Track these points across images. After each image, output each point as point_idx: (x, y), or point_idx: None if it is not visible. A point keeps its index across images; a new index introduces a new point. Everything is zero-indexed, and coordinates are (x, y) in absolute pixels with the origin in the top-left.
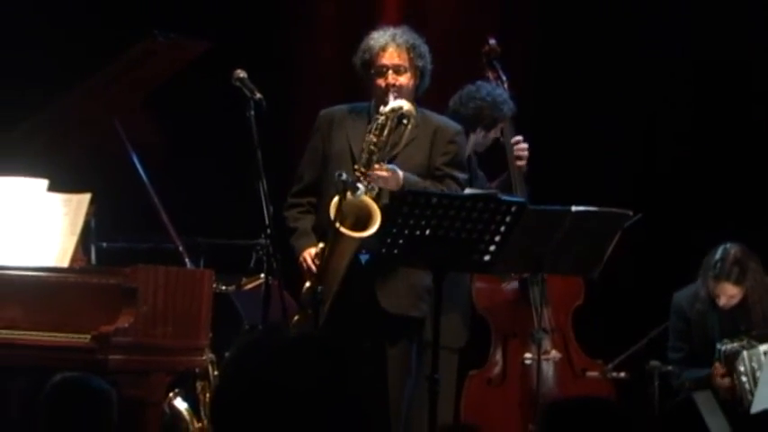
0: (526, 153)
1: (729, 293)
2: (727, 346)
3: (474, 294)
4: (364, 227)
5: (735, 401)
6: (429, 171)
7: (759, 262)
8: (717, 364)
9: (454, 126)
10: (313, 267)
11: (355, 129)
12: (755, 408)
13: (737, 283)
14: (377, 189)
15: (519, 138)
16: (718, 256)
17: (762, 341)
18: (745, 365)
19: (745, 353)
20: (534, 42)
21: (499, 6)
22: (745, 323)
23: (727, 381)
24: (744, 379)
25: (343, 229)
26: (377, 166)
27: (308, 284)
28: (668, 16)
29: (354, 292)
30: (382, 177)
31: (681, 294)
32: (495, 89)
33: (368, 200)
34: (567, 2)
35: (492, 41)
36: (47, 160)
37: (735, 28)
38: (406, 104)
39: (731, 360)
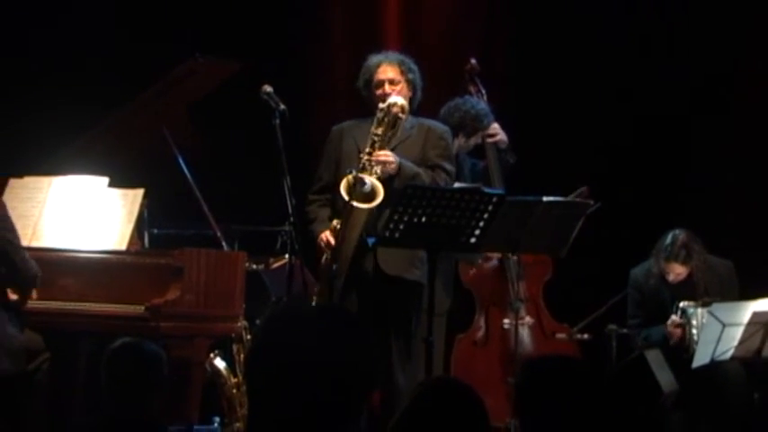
0: (497, 130)
1: (677, 272)
2: (685, 303)
3: (461, 271)
4: (371, 200)
5: (682, 348)
6: (423, 162)
7: (702, 245)
8: (674, 317)
9: (443, 126)
10: (332, 241)
11: (361, 133)
12: (696, 363)
13: (684, 263)
14: (379, 172)
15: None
16: (668, 240)
17: (706, 306)
18: (697, 320)
19: (699, 310)
20: (509, 62)
21: (480, 32)
22: (689, 295)
23: (680, 331)
24: (694, 331)
25: (354, 203)
26: (379, 151)
27: (324, 258)
28: (618, 33)
29: (363, 268)
30: (383, 160)
31: (637, 270)
32: (478, 103)
33: (374, 180)
34: (535, 29)
35: (473, 61)
36: (107, 161)
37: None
38: (400, 99)
39: (688, 314)
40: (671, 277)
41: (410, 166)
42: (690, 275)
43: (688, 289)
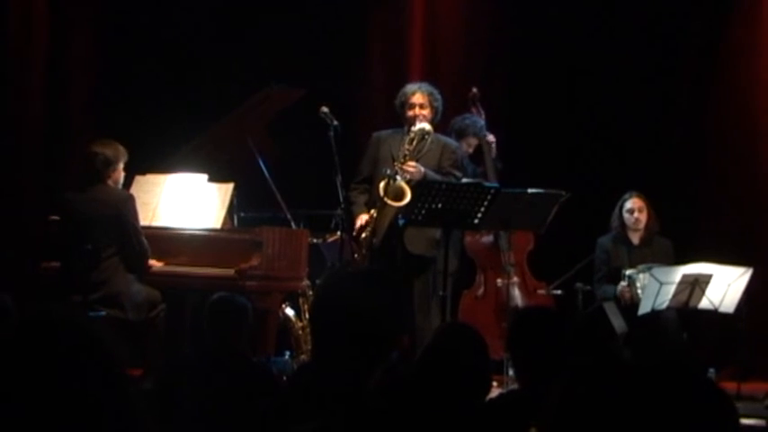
0: (492, 138)
1: (638, 205)
2: (631, 271)
3: (466, 244)
4: (400, 200)
5: (632, 306)
6: (439, 169)
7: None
8: (623, 283)
9: (455, 143)
10: (365, 224)
11: (394, 142)
12: (640, 312)
13: (639, 196)
14: (408, 177)
15: (491, 137)
16: (624, 195)
17: (645, 271)
18: (641, 282)
19: (641, 275)
20: (503, 89)
21: (480, 67)
22: (641, 260)
23: (629, 293)
24: (639, 291)
25: (387, 201)
26: (409, 162)
27: (363, 235)
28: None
29: (394, 243)
30: (412, 170)
31: (603, 238)
32: (477, 119)
33: (403, 184)
34: (525, 65)
35: (474, 89)
36: (207, 163)
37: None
38: (427, 126)
39: (632, 278)
40: (635, 214)
41: (432, 173)
42: (643, 241)
43: (641, 256)
